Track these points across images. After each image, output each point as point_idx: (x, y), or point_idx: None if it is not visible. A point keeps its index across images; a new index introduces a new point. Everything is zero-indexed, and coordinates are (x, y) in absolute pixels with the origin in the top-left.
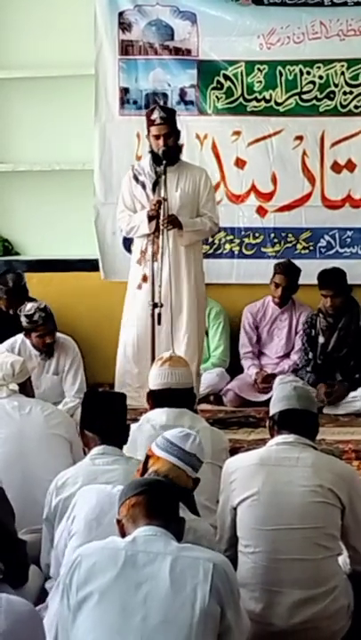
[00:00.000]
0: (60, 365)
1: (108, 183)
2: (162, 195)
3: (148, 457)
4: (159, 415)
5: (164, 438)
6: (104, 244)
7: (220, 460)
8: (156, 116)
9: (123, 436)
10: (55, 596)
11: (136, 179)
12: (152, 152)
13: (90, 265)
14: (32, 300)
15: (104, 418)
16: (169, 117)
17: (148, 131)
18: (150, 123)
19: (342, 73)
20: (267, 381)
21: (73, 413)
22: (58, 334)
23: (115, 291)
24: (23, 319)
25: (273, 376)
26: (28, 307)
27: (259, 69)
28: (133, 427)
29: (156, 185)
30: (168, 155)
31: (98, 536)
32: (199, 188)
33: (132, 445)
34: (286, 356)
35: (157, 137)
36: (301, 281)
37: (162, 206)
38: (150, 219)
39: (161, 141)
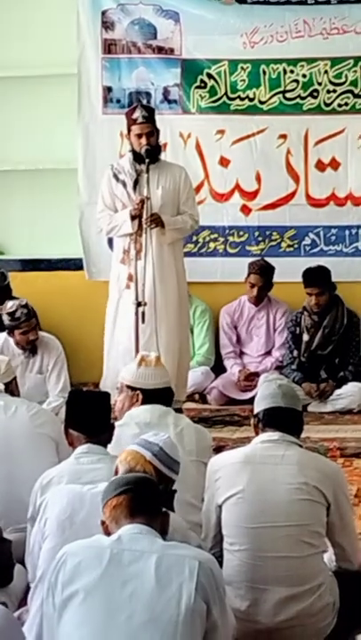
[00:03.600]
0: (43, 364)
1: (91, 183)
2: (144, 193)
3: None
4: (143, 413)
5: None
6: (88, 244)
7: (204, 458)
8: (137, 114)
9: (107, 434)
10: (34, 598)
11: (116, 177)
12: (133, 151)
13: (74, 264)
14: (14, 299)
15: (88, 417)
16: (150, 116)
17: (129, 130)
18: (132, 122)
19: (326, 71)
20: (249, 379)
21: (57, 412)
22: (41, 333)
23: (99, 290)
24: (5, 317)
25: (255, 374)
26: (10, 304)
27: (242, 68)
28: (118, 424)
29: (136, 184)
30: (151, 153)
31: (71, 536)
32: (179, 187)
33: (116, 444)
34: (268, 353)
35: (140, 136)
36: (286, 279)
37: (145, 205)
38: (133, 218)
39: (143, 140)
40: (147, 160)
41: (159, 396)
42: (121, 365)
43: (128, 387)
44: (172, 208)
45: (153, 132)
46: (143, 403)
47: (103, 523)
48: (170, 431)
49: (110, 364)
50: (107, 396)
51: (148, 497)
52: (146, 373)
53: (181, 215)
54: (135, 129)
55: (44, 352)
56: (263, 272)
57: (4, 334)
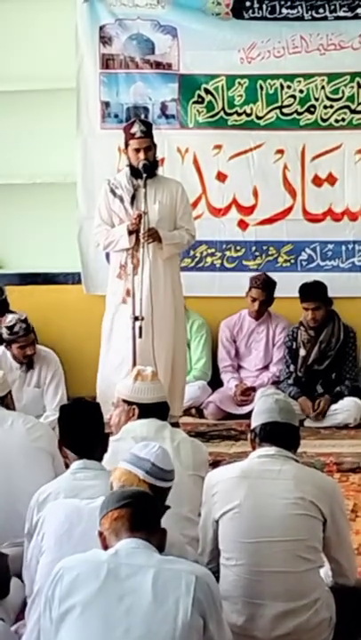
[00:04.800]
0: (41, 378)
1: (90, 197)
2: (142, 208)
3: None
4: (139, 427)
5: (128, 452)
6: (87, 258)
7: (201, 472)
8: (136, 129)
9: (101, 447)
10: (31, 612)
11: (113, 192)
12: (131, 166)
13: (72, 278)
14: (13, 313)
15: (80, 434)
16: (148, 131)
17: (127, 144)
18: (130, 136)
19: (323, 87)
20: (245, 394)
21: (54, 427)
22: (39, 347)
23: (97, 304)
24: (4, 330)
25: (252, 389)
26: (9, 318)
27: (239, 83)
28: (114, 439)
29: (133, 199)
30: (148, 168)
31: (69, 550)
32: (176, 202)
33: (113, 458)
34: (265, 368)
35: (138, 150)
36: (283, 294)
37: (142, 220)
38: (130, 233)
39: (141, 154)
40: (144, 175)
41: (155, 410)
42: (115, 380)
43: (124, 401)
44: (169, 223)
45: (151, 147)
46: (139, 417)
47: (101, 534)
48: (166, 445)
49: (104, 379)
50: (97, 407)
51: (149, 512)
52: (142, 388)
53: (178, 230)
54: (133, 143)
55: (41, 366)
56: (265, 286)
57: (1, 348)
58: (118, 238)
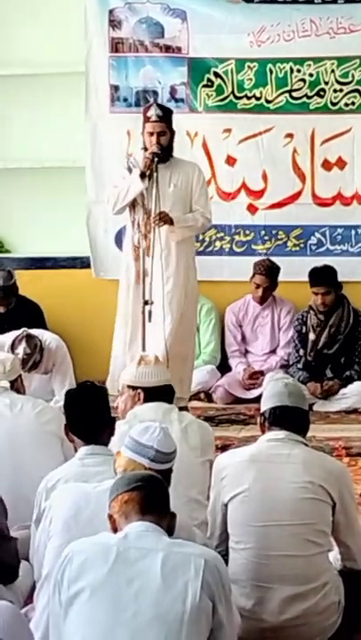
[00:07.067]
0: (48, 367)
1: (99, 181)
2: (153, 193)
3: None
4: (147, 411)
5: (128, 436)
6: (95, 242)
7: (209, 453)
8: (152, 113)
9: (108, 431)
10: (40, 596)
11: (130, 171)
12: (145, 149)
13: (80, 262)
14: (22, 301)
15: (86, 420)
16: (165, 116)
17: (144, 127)
18: (146, 119)
19: (332, 71)
20: (253, 378)
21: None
22: (45, 336)
23: (106, 288)
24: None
25: (260, 373)
26: (19, 348)
27: (249, 67)
28: (121, 423)
29: (149, 180)
30: (159, 155)
31: (76, 534)
32: (192, 184)
33: (120, 443)
34: (273, 352)
35: (151, 134)
36: (292, 278)
37: (153, 161)
38: (143, 176)
39: (154, 139)
40: (155, 160)
41: (160, 393)
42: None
43: (129, 387)
44: (185, 205)
45: (165, 132)
46: (145, 401)
47: (111, 517)
48: (174, 428)
49: (116, 357)
50: (102, 391)
51: (159, 495)
52: (145, 372)
53: (193, 213)
54: (148, 127)
55: (48, 355)
56: (269, 273)
57: (11, 335)
58: (129, 184)
